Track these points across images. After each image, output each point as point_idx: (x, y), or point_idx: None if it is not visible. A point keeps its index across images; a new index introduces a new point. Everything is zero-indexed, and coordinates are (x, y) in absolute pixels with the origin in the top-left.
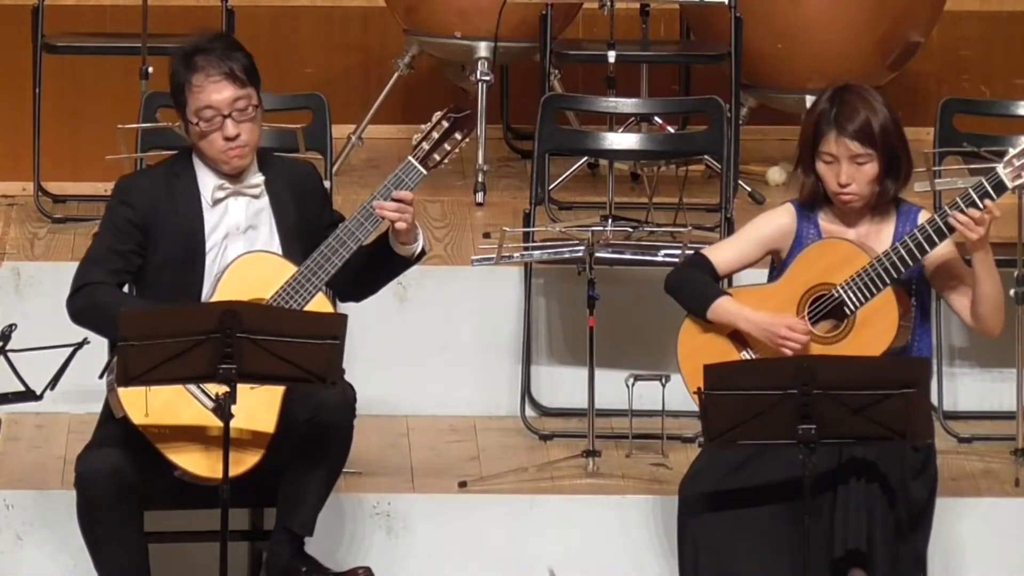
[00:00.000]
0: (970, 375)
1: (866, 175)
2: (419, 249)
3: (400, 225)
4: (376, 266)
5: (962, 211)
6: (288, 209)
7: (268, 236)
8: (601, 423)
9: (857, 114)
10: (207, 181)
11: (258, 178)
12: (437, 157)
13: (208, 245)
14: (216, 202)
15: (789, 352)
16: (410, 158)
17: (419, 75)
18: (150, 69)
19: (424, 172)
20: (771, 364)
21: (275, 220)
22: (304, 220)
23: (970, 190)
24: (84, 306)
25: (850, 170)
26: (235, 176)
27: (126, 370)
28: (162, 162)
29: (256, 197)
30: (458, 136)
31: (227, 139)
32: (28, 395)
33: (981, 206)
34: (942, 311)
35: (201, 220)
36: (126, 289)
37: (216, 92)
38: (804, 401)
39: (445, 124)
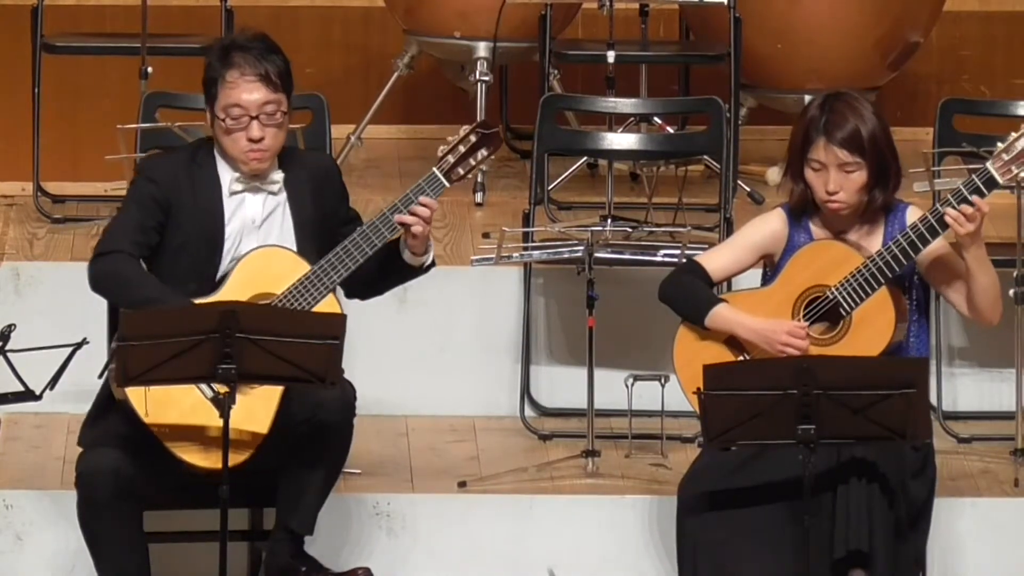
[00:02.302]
0: (969, 375)
1: (854, 183)
2: (429, 260)
3: (417, 230)
4: (385, 272)
5: (954, 207)
6: (306, 205)
7: (283, 232)
8: (600, 423)
9: (846, 122)
10: (225, 174)
11: (277, 175)
12: (461, 171)
13: (225, 234)
14: (233, 194)
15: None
16: (434, 169)
17: (419, 75)
18: (149, 69)
19: (447, 185)
20: (770, 364)
21: (292, 216)
22: (321, 215)
23: (961, 186)
24: (107, 272)
25: (838, 178)
26: (253, 175)
27: (126, 370)
28: (184, 147)
29: (274, 194)
30: (484, 152)
31: (250, 140)
32: (27, 395)
33: (972, 203)
34: (940, 311)
35: (221, 208)
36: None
37: (247, 92)
38: (804, 401)
39: (472, 139)
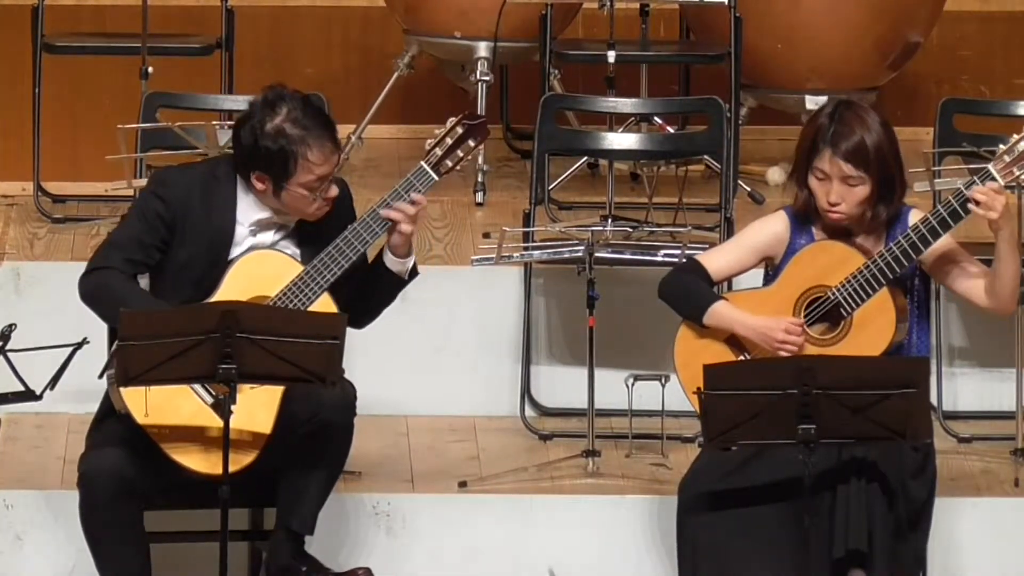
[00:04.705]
0: (970, 375)
1: (856, 196)
2: (411, 265)
3: (405, 228)
4: (371, 285)
5: (965, 201)
6: (315, 234)
7: (291, 255)
8: (601, 423)
9: (853, 135)
10: (249, 210)
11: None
12: (449, 163)
13: (231, 254)
14: (251, 230)
15: (787, 355)
16: (422, 163)
17: (419, 75)
18: (150, 69)
19: (436, 178)
20: (771, 364)
21: (300, 240)
22: (330, 237)
23: (961, 187)
24: (95, 288)
25: (840, 190)
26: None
27: (126, 370)
28: (203, 162)
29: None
30: (471, 143)
31: (326, 199)
32: (28, 395)
33: (976, 200)
34: (941, 311)
35: (231, 232)
36: (145, 281)
37: (332, 161)
38: (804, 401)
39: (459, 130)
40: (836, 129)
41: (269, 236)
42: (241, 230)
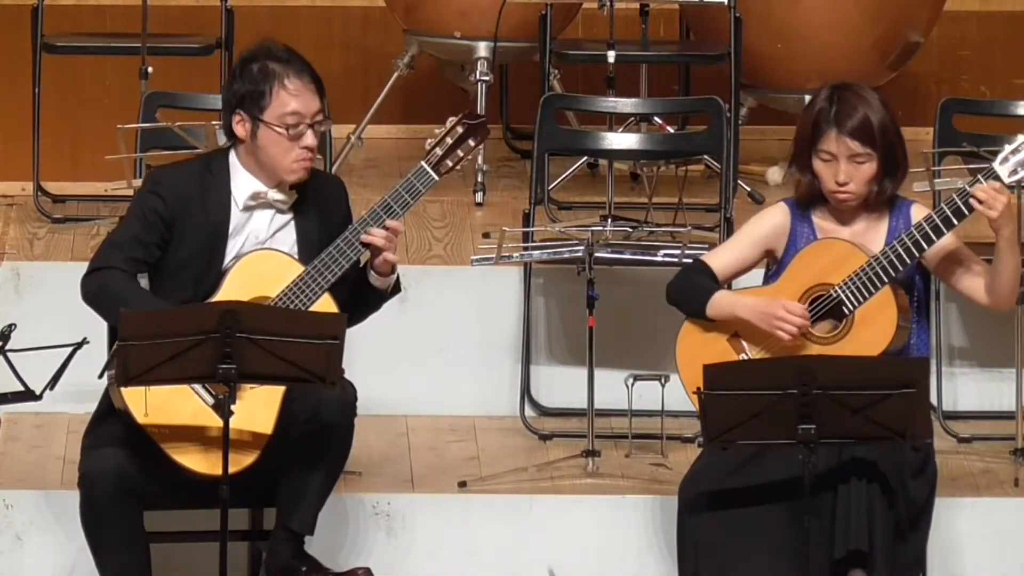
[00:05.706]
0: (970, 375)
1: (864, 174)
2: (393, 281)
3: (391, 257)
4: (358, 292)
5: (968, 199)
6: (312, 225)
7: (287, 249)
8: (601, 423)
9: (857, 112)
10: (243, 186)
11: (293, 193)
12: (450, 163)
13: (228, 247)
14: (246, 208)
15: (785, 336)
16: (423, 163)
17: (419, 75)
18: (150, 69)
19: (436, 178)
20: (771, 364)
21: (297, 235)
22: (326, 236)
23: (965, 186)
24: (96, 288)
25: (848, 169)
26: (274, 184)
27: (126, 370)
28: (197, 157)
29: (282, 212)
30: (471, 142)
31: (306, 148)
32: (28, 395)
33: (979, 199)
34: (941, 311)
35: (227, 222)
36: (144, 280)
37: (309, 100)
38: (804, 401)
39: (459, 130)
40: (839, 109)
41: (266, 218)
42: (236, 217)
